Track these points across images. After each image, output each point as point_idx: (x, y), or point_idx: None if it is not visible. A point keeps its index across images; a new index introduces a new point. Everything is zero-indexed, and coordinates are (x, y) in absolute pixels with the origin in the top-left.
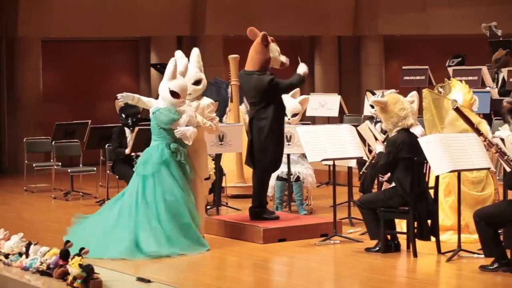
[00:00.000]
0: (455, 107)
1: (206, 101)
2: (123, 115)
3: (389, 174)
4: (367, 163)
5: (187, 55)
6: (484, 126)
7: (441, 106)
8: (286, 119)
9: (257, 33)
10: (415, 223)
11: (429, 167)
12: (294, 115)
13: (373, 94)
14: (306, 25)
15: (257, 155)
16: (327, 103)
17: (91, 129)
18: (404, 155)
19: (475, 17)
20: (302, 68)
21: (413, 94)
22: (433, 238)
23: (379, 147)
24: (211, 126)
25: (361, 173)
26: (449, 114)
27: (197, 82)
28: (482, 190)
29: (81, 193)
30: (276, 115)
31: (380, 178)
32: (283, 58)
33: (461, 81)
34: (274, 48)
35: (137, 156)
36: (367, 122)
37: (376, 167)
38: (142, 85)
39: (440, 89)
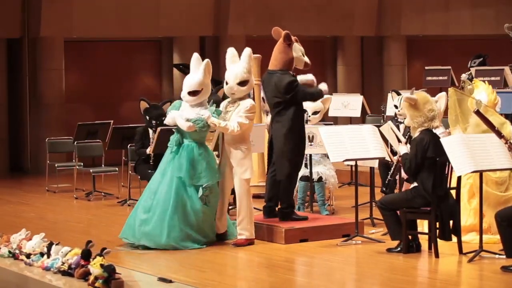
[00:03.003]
0: (475, 110)
1: (246, 103)
2: (147, 117)
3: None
4: (392, 171)
5: (210, 55)
6: (508, 127)
7: (466, 105)
8: (306, 116)
9: (282, 32)
10: (437, 223)
11: (451, 167)
12: (315, 113)
13: (398, 94)
14: (329, 25)
15: (279, 157)
16: (349, 103)
17: (113, 129)
18: (430, 154)
19: (498, 17)
20: (324, 86)
21: (442, 95)
22: (454, 239)
23: (403, 149)
24: (226, 127)
25: (386, 181)
26: (473, 115)
27: (242, 83)
28: (505, 190)
29: (103, 193)
30: (296, 116)
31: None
32: (307, 59)
33: (484, 81)
34: (297, 48)
35: (155, 156)
36: (389, 122)
37: (405, 171)
38: (164, 86)
39: (467, 82)
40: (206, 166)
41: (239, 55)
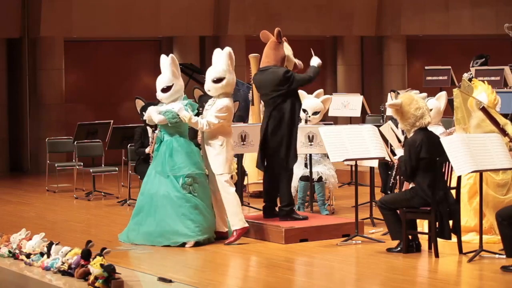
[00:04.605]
0: (481, 107)
1: (221, 102)
2: (144, 113)
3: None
4: (394, 173)
5: (210, 55)
6: (510, 128)
7: (467, 106)
8: (306, 116)
9: (270, 35)
10: (436, 223)
11: (451, 167)
12: (315, 113)
13: (398, 94)
14: (329, 25)
15: (277, 150)
16: (349, 103)
17: (113, 129)
18: (423, 155)
19: (498, 17)
20: (316, 60)
21: (442, 94)
22: (454, 238)
23: (399, 152)
24: (196, 122)
25: (390, 184)
26: (473, 116)
27: (217, 81)
28: (506, 193)
29: (103, 193)
30: (292, 111)
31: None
32: (297, 61)
33: (483, 81)
34: (288, 47)
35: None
36: (390, 122)
37: (402, 175)
38: None
39: (464, 81)
40: (185, 156)
41: (238, 55)
